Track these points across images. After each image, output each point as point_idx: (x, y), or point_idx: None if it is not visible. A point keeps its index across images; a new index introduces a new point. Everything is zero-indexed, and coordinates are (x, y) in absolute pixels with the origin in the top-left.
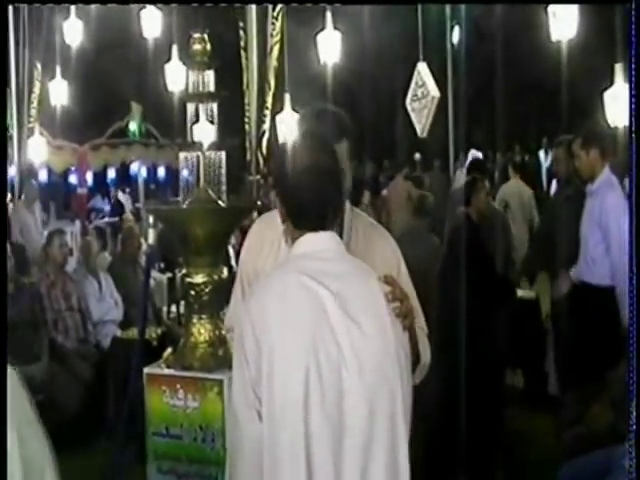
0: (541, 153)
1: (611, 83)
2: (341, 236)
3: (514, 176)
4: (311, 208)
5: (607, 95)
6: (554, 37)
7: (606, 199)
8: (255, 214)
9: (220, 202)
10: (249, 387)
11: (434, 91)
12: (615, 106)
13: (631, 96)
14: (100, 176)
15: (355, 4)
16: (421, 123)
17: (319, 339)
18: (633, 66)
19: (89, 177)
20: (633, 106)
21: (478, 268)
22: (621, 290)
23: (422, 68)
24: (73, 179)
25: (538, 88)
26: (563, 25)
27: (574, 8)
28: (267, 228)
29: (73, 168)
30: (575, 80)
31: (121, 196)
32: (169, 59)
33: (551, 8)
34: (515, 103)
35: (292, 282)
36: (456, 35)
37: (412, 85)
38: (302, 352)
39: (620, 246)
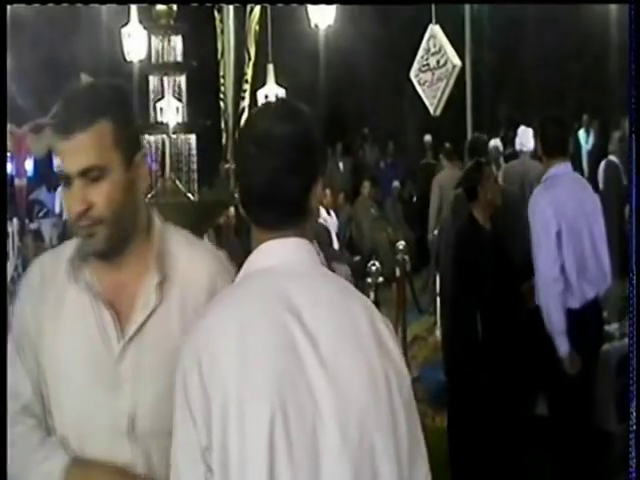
0: (581, 132)
1: None
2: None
3: (447, 164)
4: (265, 195)
5: None
6: None
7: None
8: (232, 209)
9: (190, 195)
10: (198, 454)
11: (455, 59)
12: None
13: (631, 96)
14: (43, 164)
15: (356, 4)
16: (435, 98)
17: (288, 391)
18: (633, 66)
19: (29, 165)
20: (633, 106)
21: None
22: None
23: (437, 32)
24: (9, 167)
25: (578, 55)
26: None
27: None
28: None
29: (9, 154)
30: (625, 44)
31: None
32: (127, 22)
33: None
34: (549, 73)
35: (254, 311)
36: None
37: (421, 52)
38: (266, 410)
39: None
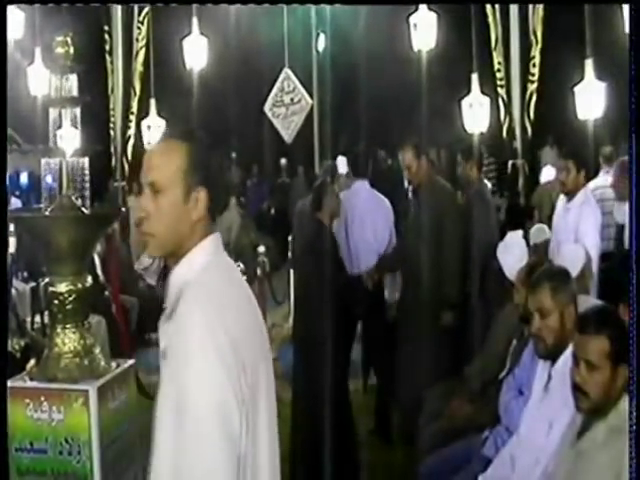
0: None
1: (468, 91)
2: None
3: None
4: None
5: (465, 103)
6: (415, 47)
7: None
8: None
9: (83, 209)
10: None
11: (307, 97)
12: (472, 114)
13: (631, 95)
14: None
15: (354, 4)
16: (289, 129)
17: None
18: (633, 66)
19: None
20: (633, 106)
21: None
22: None
23: (290, 74)
24: None
25: (400, 95)
26: (424, 35)
27: (433, 20)
28: None
29: None
30: (434, 89)
31: None
32: (32, 62)
33: (412, 19)
34: (378, 110)
35: None
36: (322, 42)
37: (275, 91)
38: None
39: None
